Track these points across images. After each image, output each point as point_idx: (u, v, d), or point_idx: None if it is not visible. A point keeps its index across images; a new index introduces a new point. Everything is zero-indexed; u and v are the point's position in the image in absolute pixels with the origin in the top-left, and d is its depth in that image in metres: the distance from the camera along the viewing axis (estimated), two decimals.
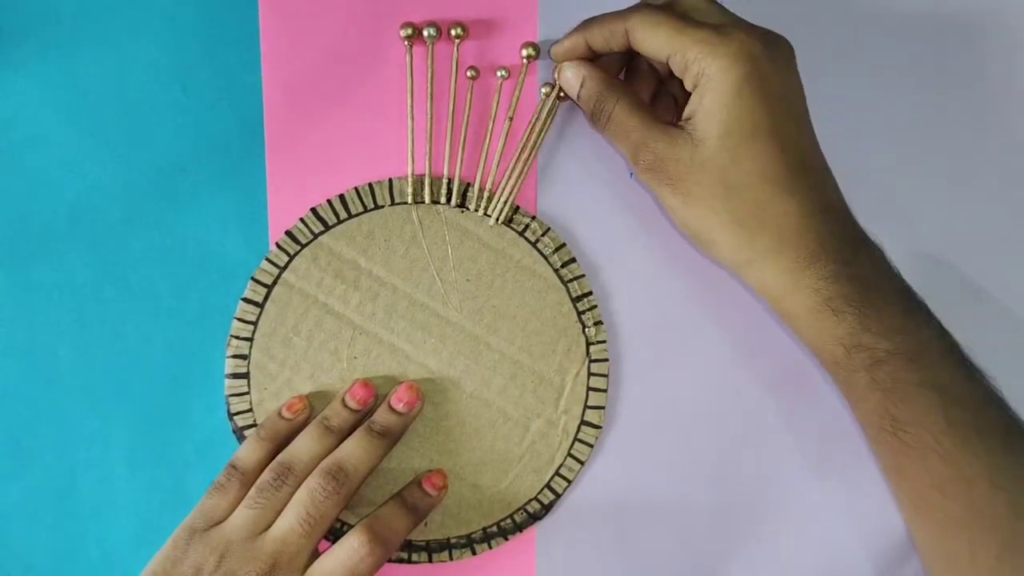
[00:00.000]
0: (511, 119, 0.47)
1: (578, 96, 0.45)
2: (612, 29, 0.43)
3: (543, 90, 0.47)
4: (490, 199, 0.48)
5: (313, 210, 0.48)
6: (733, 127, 0.40)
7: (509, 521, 0.48)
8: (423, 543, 0.47)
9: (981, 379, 0.42)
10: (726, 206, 0.41)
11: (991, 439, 0.41)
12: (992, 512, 0.41)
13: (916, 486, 0.43)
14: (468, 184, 0.48)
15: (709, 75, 0.40)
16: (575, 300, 0.48)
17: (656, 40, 0.41)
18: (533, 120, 0.47)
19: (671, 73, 0.43)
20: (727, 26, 0.41)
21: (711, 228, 0.42)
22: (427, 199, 0.48)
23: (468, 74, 0.47)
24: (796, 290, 0.41)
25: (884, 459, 0.44)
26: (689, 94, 0.42)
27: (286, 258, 0.47)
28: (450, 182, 0.48)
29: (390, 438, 0.45)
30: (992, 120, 0.49)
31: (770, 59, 0.40)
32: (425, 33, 0.47)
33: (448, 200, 0.48)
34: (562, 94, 0.47)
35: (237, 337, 0.47)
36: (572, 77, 0.45)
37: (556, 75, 0.46)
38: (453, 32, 0.47)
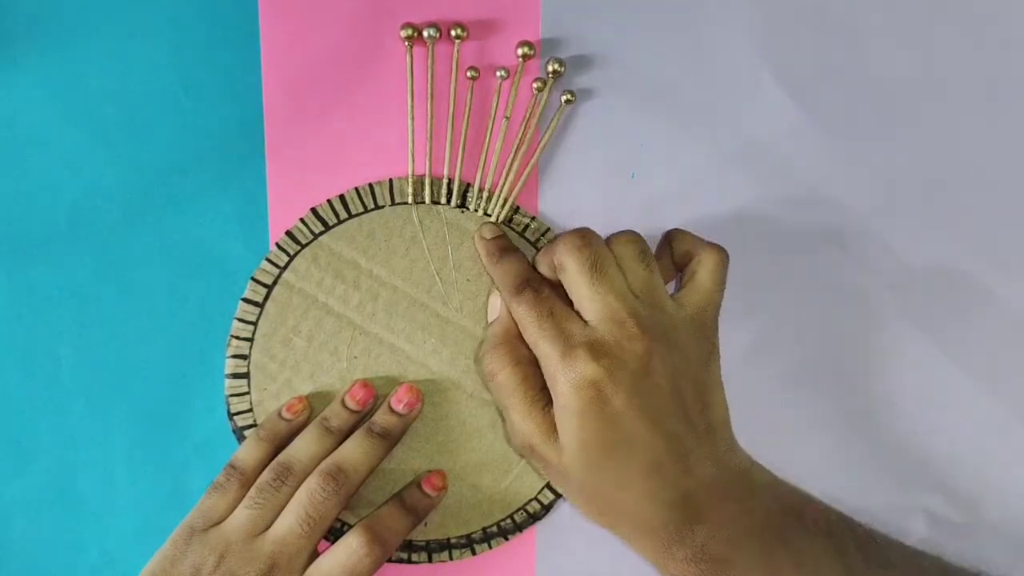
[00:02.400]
0: (508, 118, 0.47)
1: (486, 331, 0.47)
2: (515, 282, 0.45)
3: (535, 85, 0.47)
4: (490, 199, 0.48)
5: (313, 210, 0.48)
6: (585, 444, 0.41)
7: (509, 521, 0.48)
8: (423, 543, 0.47)
9: None
10: (587, 505, 0.44)
11: None
12: None
13: None
14: (468, 184, 0.48)
15: (557, 392, 0.42)
16: None
17: (522, 327, 0.44)
18: (526, 117, 0.47)
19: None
20: (576, 342, 0.41)
21: (583, 511, 0.45)
22: (427, 199, 0.48)
23: (468, 74, 0.47)
24: (659, 565, 0.43)
25: None
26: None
27: (286, 258, 0.47)
28: (450, 182, 0.48)
29: (390, 439, 0.45)
30: (993, 120, 0.49)
31: (612, 382, 0.41)
32: (425, 34, 0.47)
33: (448, 200, 0.48)
34: (569, 97, 0.47)
35: (237, 337, 0.47)
36: (491, 308, 0.47)
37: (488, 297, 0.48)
38: (453, 33, 0.47)
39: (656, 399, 0.41)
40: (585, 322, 0.42)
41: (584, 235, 0.43)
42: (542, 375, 0.43)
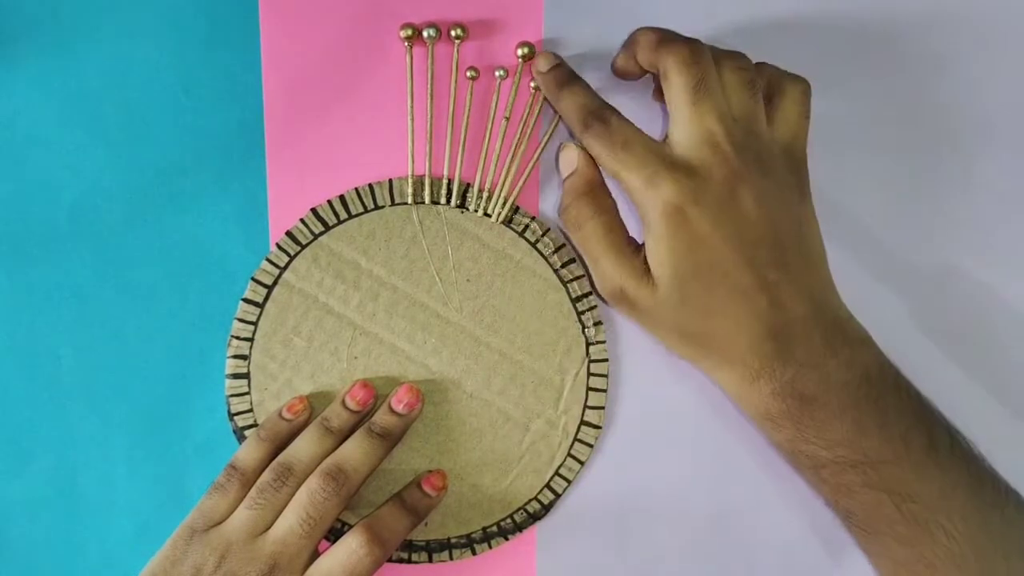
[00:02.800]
0: (507, 119, 0.47)
1: (562, 182, 0.46)
2: (579, 107, 0.44)
3: (532, 85, 0.47)
4: (490, 199, 0.48)
5: (313, 210, 0.48)
6: (677, 271, 0.42)
7: (509, 521, 0.48)
8: (423, 543, 0.47)
9: (957, 463, 0.42)
10: (678, 335, 0.44)
11: (957, 525, 0.41)
12: None
13: (880, 560, 0.45)
14: (468, 184, 0.48)
15: (647, 221, 0.42)
16: (575, 300, 0.48)
17: (601, 163, 0.44)
18: (524, 117, 0.47)
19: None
20: (659, 167, 0.41)
21: (670, 345, 0.45)
22: (427, 199, 0.48)
23: (468, 75, 0.47)
24: (743, 398, 0.44)
25: (852, 534, 0.46)
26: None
27: (286, 258, 0.47)
28: (450, 182, 0.48)
29: (390, 439, 0.45)
30: (992, 121, 0.49)
31: (697, 204, 0.41)
32: (425, 34, 0.47)
33: (448, 200, 0.48)
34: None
35: (237, 337, 0.47)
36: (564, 162, 0.47)
37: (559, 152, 0.47)
38: (453, 33, 0.47)
39: (744, 226, 0.41)
40: (664, 143, 0.42)
41: (695, 51, 0.42)
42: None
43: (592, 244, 0.44)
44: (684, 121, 0.42)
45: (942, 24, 0.49)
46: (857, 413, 0.41)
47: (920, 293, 0.49)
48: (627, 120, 0.43)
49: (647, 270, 0.43)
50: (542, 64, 0.46)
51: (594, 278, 0.45)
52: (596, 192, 0.45)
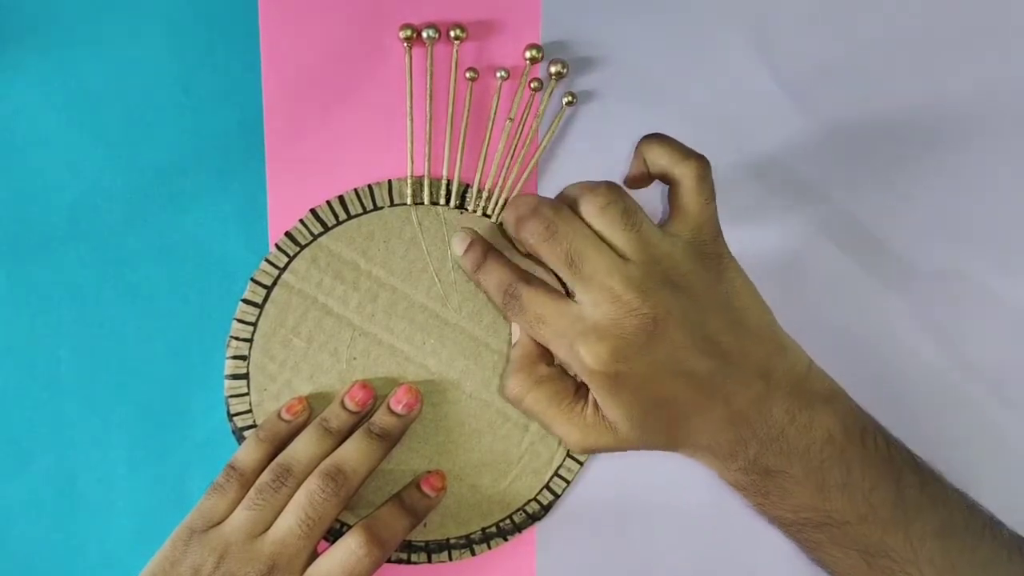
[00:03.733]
0: (511, 119, 0.47)
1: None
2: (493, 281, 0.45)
3: (532, 85, 0.47)
4: (489, 200, 0.48)
5: (312, 211, 0.48)
6: (630, 416, 0.43)
7: (508, 522, 0.48)
8: (422, 544, 0.47)
9: (915, 518, 0.43)
10: (647, 448, 0.45)
11: (922, 574, 0.42)
12: None
13: None
14: (467, 185, 0.48)
15: (586, 381, 0.43)
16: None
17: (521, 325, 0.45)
18: (524, 118, 0.47)
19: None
20: (575, 343, 0.42)
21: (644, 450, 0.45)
22: (426, 200, 0.48)
23: (467, 75, 0.47)
24: (718, 473, 0.45)
25: None
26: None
27: (285, 259, 0.47)
28: (449, 183, 0.48)
29: (389, 440, 0.45)
30: (992, 122, 0.49)
31: (620, 361, 0.41)
32: (424, 34, 0.47)
33: (447, 201, 0.48)
34: (570, 99, 0.47)
35: (237, 338, 0.47)
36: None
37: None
38: (453, 33, 0.47)
39: (676, 353, 0.41)
40: (577, 305, 0.42)
41: (546, 218, 0.42)
42: (568, 379, 0.45)
43: (538, 414, 0.45)
44: (577, 288, 0.42)
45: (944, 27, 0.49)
46: (820, 476, 0.43)
47: (919, 293, 0.49)
48: (541, 289, 0.43)
49: (601, 417, 0.44)
50: (456, 247, 0.46)
51: (558, 436, 0.45)
52: (530, 363, 0.46)
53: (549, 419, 0.45)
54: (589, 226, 0.42)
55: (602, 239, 0.42)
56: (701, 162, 0.43)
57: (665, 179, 0.44)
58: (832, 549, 0.44)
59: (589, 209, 0.42)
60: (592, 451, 0.46)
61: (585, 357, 0.41)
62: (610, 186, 0.42)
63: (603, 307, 0.41)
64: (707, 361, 0.42)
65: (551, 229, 0.42)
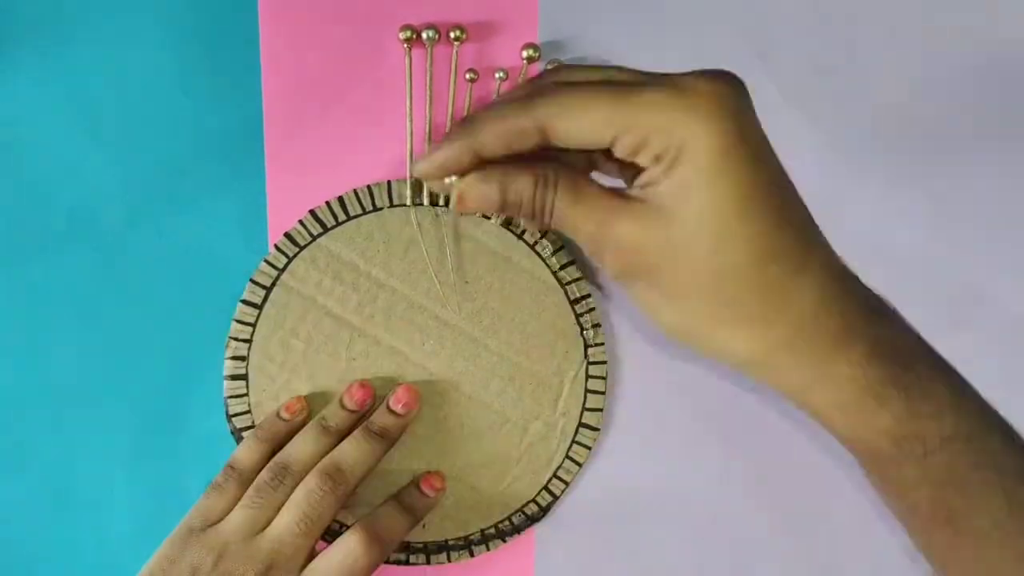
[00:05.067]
0: None
1: (503, 207, 0.36)
2: (515, 126, 0.34)
3: None
4: None
5: (312, 212, 0.48)
6: (719, 203, 0.32)
7: (507, 523, 0.48)
8: (421, 545, 0.47)
9: None
10: (719, 299, 0.34)
11: None
12: None
13: (968, 573, 0.38)
14: None
15: (682, 145, 0.32)
16: (573, 302, 0.48)
17: (592, 124, 0.33)
18: None
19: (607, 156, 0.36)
20: (678, 79, 0.33)
21: (703, 327, 0.35)
22: (426, 201, 0.48)
23: (467, 76, 0.47)
24: (823, 382, 0.35)
25: (932, 551, 0.39)
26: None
27: (285, 260, 0.47)
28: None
29: (388, 439, 0.45)
30: (990, 120, 0.50)
31: (747, 107, 0.33)
32: (424, 35, 0.47)
33: (447, 202, 0.48)
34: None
35: (236, 339, 0.47)
36: (484, 197, 0.36)
37: (453, 199, 0.37)
38: (452, 35, 0.47)
39: (770, 148, 0.34)
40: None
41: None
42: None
43: (569, 215, 0.35)
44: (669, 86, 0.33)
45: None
46: (947, 377, 0.35)
47: (921, 297, 0.49)
48: None
49: (650, 207, 0.33)
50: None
51: (589, 252, 0.37)
52: (538, 173, 0.35)
53: (593, 218, 0.35)
54: None
55: None
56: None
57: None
58: (973, 480, 0.35)
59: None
60: (631, 270, 0.35)
61: (704, 96, 0.32)
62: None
63: (705, 77, 0.33)
64: (798, 195, 0.34)
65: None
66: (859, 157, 0.49)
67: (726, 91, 0.32)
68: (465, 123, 0.35)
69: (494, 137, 0.35)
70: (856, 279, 0.36)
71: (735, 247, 0.33)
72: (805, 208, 0.35)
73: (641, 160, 0.33)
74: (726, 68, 0.35)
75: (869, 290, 0.36)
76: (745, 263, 0.33)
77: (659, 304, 0.36)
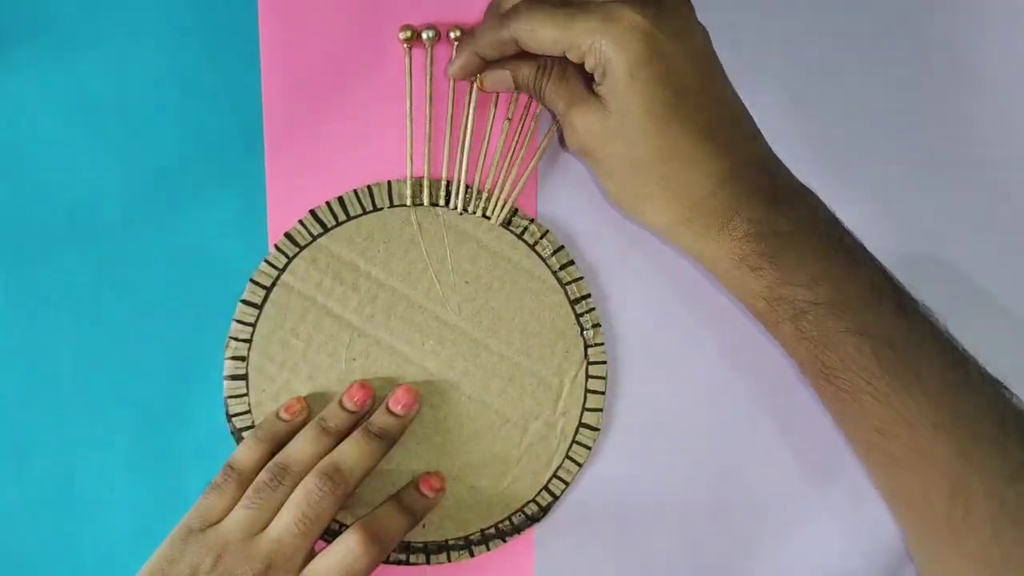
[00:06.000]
0: (509, 119, 0.48)
1: (514, 86, 0.46)
2: (498, 39, 0.43)
3: None
4: (489, 201, 0.48)
5: (312, 212, 0.48)
6: (634, 106, 0.41)
7: (507, 523, 0.48)
8: (421, 544, 0.47)
9: (923, 319, 0.42)
10: (636, 179, 0.43)
11: (930, 380, 0.41)
12: (937, 453, 0.41)
13: (858, 429, 0.44)
14: (467, 186, 0.48)
15: (605, 60, 0.40)
16: (574, 302, 0.48)
17: (544, 39, 0.42)
18: (523, 117, 0.48)
19: None
20: (609, 7, 0.40)
21: (630, 199, 0.44)
22: (426, 201, 0.48)
23: None
24: (713, 251, 0.43)
25: (825, 404, 0.45)
26: None
27: (285, 260, 0.47)
28: (449, 184, 0.48)
29: (387, 440, 0.45)
30: (990, 118, 0.49)
31: (662, 31, 0.40)
32: (424, 36, 0.47)
33: (447, 202, 0.48)
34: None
35: (236, 339, 0.47)
36: (500, 80, 0.46)
37: (478, 85, 0.47)
38: (452, 35, 0.47)
39: (703, 60, 0.41)
40: None
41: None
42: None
43: (551, 97, 0.44)
44: None
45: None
46: (831, 250, 0.42)
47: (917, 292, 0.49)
48: None
49: (597, 101, 0.42)
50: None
51: (562, 129, 0.45)
52: (539, 62, 0.45)
53: (561, 95, 0.44)
54: None
55: None
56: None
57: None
58: (844, 342, 0.41)
59: None
60: (584, 151, 0.44)
61: (625, 16, 0.40)
62: None
63: (636, 2, 0.40)
64: (729, 89, 0.42)
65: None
66: (860, 154, 0.49)
67: (638, 20, 0.40)
68: (468, 35, 0.46)
69: (486, 46, 0.44)
70: (760, 169, 0.42)
71: (643, 145, 0.41)
72: (723, 105, 0.42)
73: (587, 68, 0.42)
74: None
75: (780, 181, 0.43)
76: (651, 158, 0.42)
77: (603, 178, 0.45)
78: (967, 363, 0.42)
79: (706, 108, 0.41)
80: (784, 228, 0.41)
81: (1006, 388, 0.43)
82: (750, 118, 0.43)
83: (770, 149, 0.44)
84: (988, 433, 0.41)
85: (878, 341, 0.41)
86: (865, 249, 0.43)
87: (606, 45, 0.40)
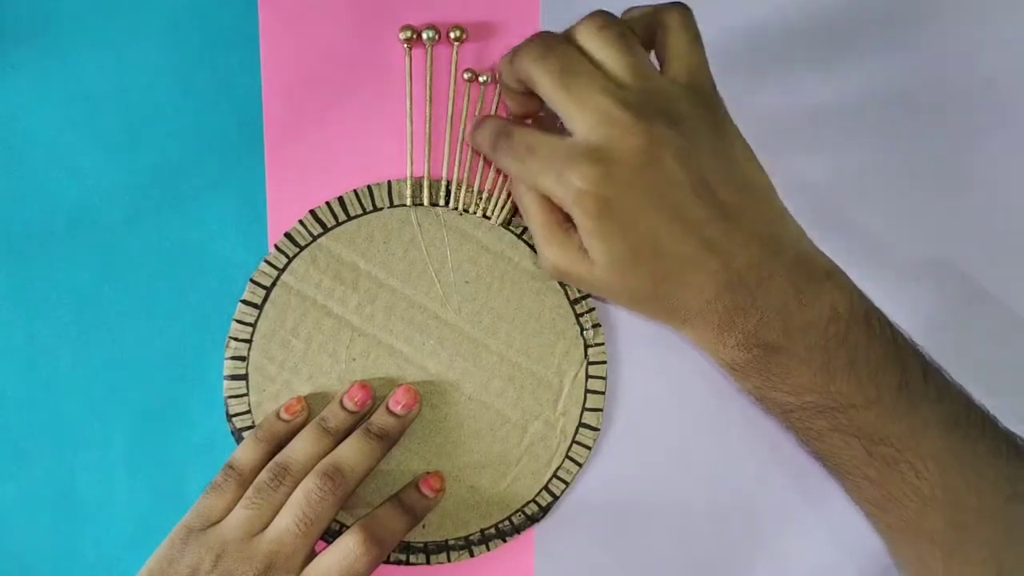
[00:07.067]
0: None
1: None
2: (511, 76, 0.43)
3: None
4: (489, 201, 0.48)
5: (312, 212, 0.48)
6: (611, 254, 0.40)
7: (507, 523, 0.48)
8: (421, 544, 0.47)
9: (931, 400, 0.41)
10: (635, 307, 0.44)
11: (928, 461, 0.41)
12: (931, 528, 0.41)
13: (853, 497, 0.45)
14: (467, 186, 0.48)
15: (574, 218, 0.41)
16: (573, 302, 0.48)
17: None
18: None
19: None
20: (565, 167, 0.40)
21: (627, 308, 0.46)
22: (426, 201, 0.48)
23: (466, 76, 0.47)
24: (709, 351, 0.43)
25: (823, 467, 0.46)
26: None
27: (285, 260, 0.47)
28: (448, 184, 0.48)
29: (388, 440, 0.45)
30: (991, 117, 0.49)
31: (613, 186, 0.39)
32: (424, 36, 0.47)
33: (447, 202, 0.48)
34: None
35: (236, 339, 0.47)
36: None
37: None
38: (452, 35, 0.47)
39: (670, 190, 0.39)
40: (571, 136, 0.40)
41: (544, 41, 0.41)
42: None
43: (529, 221, 0.44)
44: (570, 112, 0.40)
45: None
46: (825, 356, 0.40)
47: (914, 289, 0.49)
48: (535, 127, 0.43)
49: (581, 247, 0.42)
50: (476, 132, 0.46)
51: (539, 261, 0.44)
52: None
53: (534, 229, 0.43)
54: (584, 50, 0.40)
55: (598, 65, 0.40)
56: (682, 6, 0.42)
57: (651, 37, 0.42)
58: (833, 437, 0.42)
59: (584, 30, 0.41)
60: (564, 277, 0.43)
61: (574, 179, 0.39)
62: (607, 13, 0.41)
63: (597, 128, 0.39)
64: (704, 208, 0.40)
65: (546, 46, 0.40)
66: (860, 154, 0.49)
67: (588, 182, 0.39)
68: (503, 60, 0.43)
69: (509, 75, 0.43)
70: (750, 280, 0.40)
71: (629, 285, 0.42)
72: (709, 220, 0.40)
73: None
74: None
75: (773, 287, 0.40)
76: (637, 285, 0.41)
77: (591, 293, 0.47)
78: (976, 435, 0.41)
79: (684, 238, 0.40)
80: (774, 339, 0.41)
81: (1021, 441, 0.42)
82: (765, 206, 0.42)
83: (793, 232, 0.42)
84: (987, 509, 0.41)
85: (869, 440, 0.41)
86: (877, 329, 0.41)
87: (568, 205, 0.40)
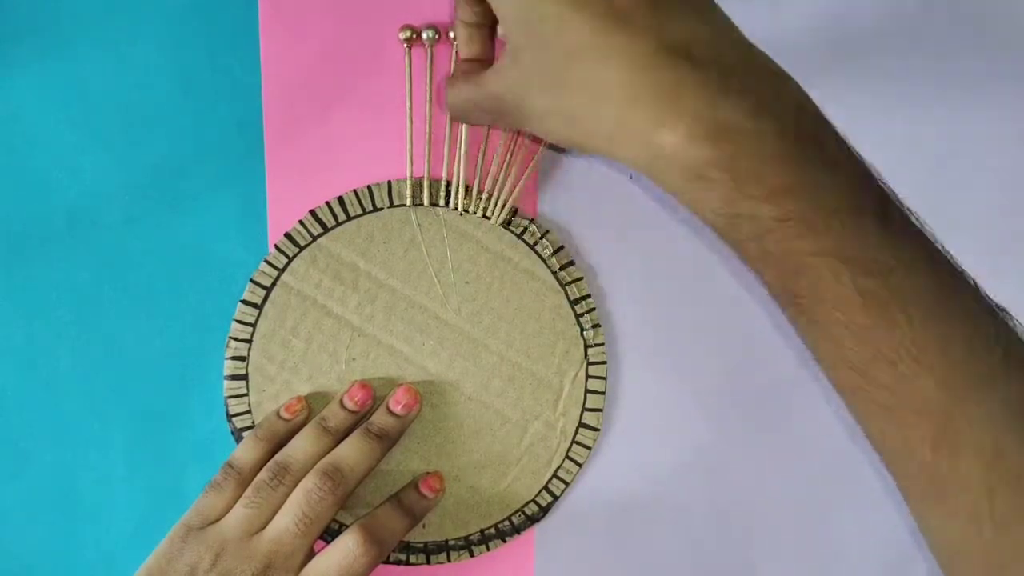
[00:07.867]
0: None
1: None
2: None
3: None
4: (489, 201, 0.48)
5: (312, 212, 0.48)
6: (513, 42, 0.37)
7: (507, 523, 0.48)
8: (421, 544, 0.47)
9: (912, 234, 0.36)
10: (558, 100, 0.37)
11: (917, 309, 0.35)
12: (920, 395, 0.35)
13: (836, 369, 0.37)
14: (467, 186, 0.48)
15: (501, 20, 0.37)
16: (574, 303, 0.48)
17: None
18: None
19: None
20: None
21: (571, 133, 0.38)
22: (426, 201, 0.48)
23: None
24: (657, 168, 0.35)
25: (801, 337, 0.38)
26: None
27: (285, 260, 0.47)
28: (448, 184, 0.48)
29: (387, 440, 0.45)
30: (991, 117, 0.49)
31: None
32: (424, 35, 0.47)
33: (447, 202, 0.48)
34: None
35: (236, 339, 0.47)
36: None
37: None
38: (452, 35, 0.47)
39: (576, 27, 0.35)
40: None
41: None
42: None
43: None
44: None
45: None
46: (799, 150, 0.34)
47: None
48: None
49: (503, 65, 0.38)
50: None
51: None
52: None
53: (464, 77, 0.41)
54: None
55: None
56: None
57: None
58: (814, 266, 0.35)
59: None
60: (497, 115, 0.40)
61: None
62: None
63: None
64: None
65: None
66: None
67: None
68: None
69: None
70: (702, 50, 0.35)
71: (544, 56, 0.36)
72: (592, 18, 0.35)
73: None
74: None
75: (739, 68, 0.35)
76: (556, 66, 0.36)
77: (536, 123, 0.39)
78: (963, 287, 0.36)
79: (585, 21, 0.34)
80: (736, 120, 0.34)
81: (1010, 316, 0.37)
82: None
83: (729, 24, 0.37)
84: (982, 371, 0.35)
85: (855, 266, 0.34)
86: (844, 144, 0.36)
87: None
